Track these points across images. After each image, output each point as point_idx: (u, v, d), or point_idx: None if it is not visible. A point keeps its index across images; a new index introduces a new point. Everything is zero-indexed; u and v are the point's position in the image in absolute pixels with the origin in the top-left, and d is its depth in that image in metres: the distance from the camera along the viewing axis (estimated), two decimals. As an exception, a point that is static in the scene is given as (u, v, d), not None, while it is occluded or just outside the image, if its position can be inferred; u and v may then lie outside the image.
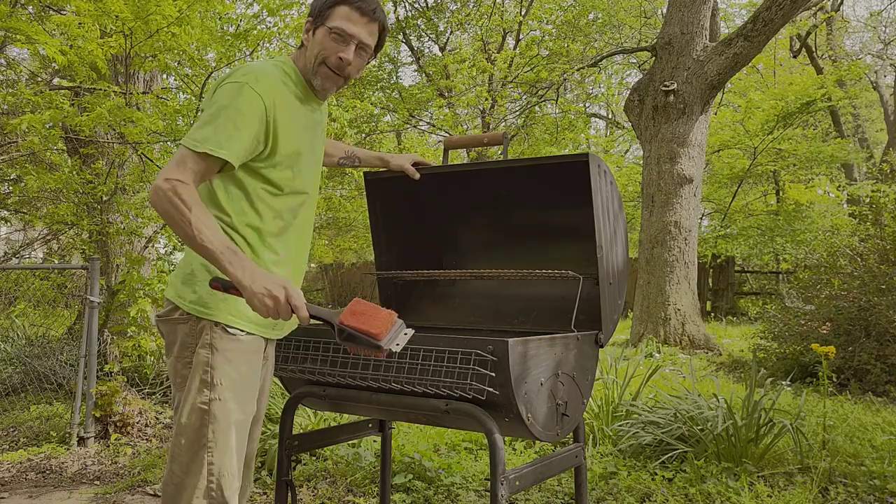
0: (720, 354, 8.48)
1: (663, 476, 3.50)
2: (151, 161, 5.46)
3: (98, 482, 3.90)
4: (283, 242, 1.93)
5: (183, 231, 1.66)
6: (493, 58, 15.95)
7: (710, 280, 15.79)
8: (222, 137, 1.72)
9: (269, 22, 5.46)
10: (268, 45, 5.47)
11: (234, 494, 1.80)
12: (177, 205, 1.65)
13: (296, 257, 1.99)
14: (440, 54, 17.92)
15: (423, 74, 17.65)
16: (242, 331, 1.83)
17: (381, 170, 2.53)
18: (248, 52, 5.39)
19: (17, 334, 6.56)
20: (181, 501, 1.76)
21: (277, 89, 1.82)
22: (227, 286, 1.67)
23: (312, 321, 1.67)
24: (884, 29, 21.26)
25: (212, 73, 5.42)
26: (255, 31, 5.12)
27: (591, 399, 3.42)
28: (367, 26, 1.89)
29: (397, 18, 17.41)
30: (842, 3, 17.05)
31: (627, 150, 21.47)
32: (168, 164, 1.72)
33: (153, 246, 5.98)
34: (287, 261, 1.95)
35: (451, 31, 18.07)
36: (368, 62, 1.98)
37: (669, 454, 3.63)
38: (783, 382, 4.40)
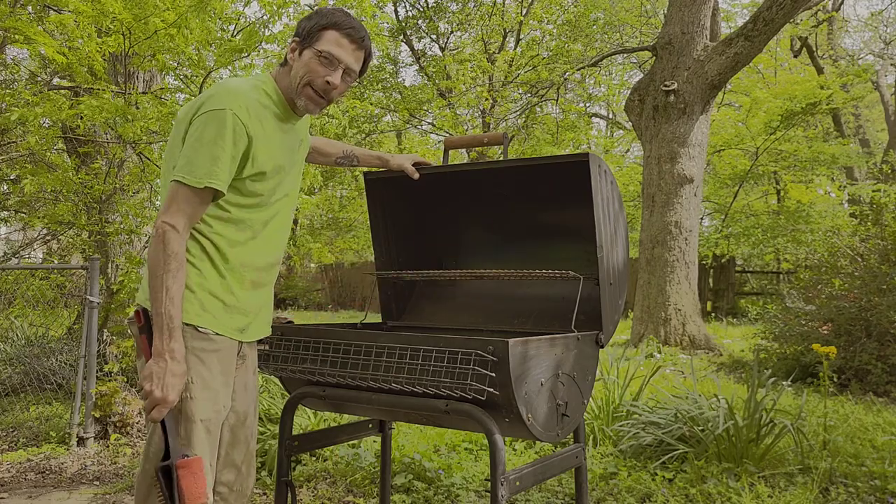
0: (721, 355, 8.47)
1: (664, 476, 3.49)
2: (150, 161, 5.45)
3: (98, 482, 3.89)
4: (249, 249, 1.92)
5: (153, 277, 1.73)
6: (493, 58, 15.95)
7: (710, 280, 15.79)
8: (217, 169, 1.76)
9: (269, 22, 5.44)
10: (266, 45, 5.46)
11: (208, 489, 1.82)
12: (161, 254, 1.72)
13: (263, 260, 1.96)
14: (441, 54, 17.91)
15: (424, 75, 17.66)
16: (213, 331, 1.85)
17: (381, 169, 2.52)
18: (245, 55, 5.38)
19: (17, 334, 6.56)
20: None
21: (257, 112, 1.84)
22: (144, 330, 1.76)
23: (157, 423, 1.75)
24: (884, 28, 21.27)
25: (210, 72, 5.41)
26: (254, 38, 5.10)
27: (591, 399, 3.42)
28: (355, 53, 1.92)
29: (398, 18, 17.41)
30: (842, 2, 17.05)
31: (628, 150, 21.47)
32: (165, 203, 1.76)
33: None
34: (254, 266, 1.94)
35: (452, 31, 18.07)
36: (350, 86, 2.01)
37: (670, 454, 3.62)
38: (784, 383, 4.39)
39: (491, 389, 1.79)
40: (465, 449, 4.01)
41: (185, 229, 1.76)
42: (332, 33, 1.88)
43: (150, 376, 1.68)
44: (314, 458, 3.92)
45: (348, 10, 1.99)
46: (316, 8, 1.92)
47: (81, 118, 4.68)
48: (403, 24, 17.29)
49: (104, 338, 5.08)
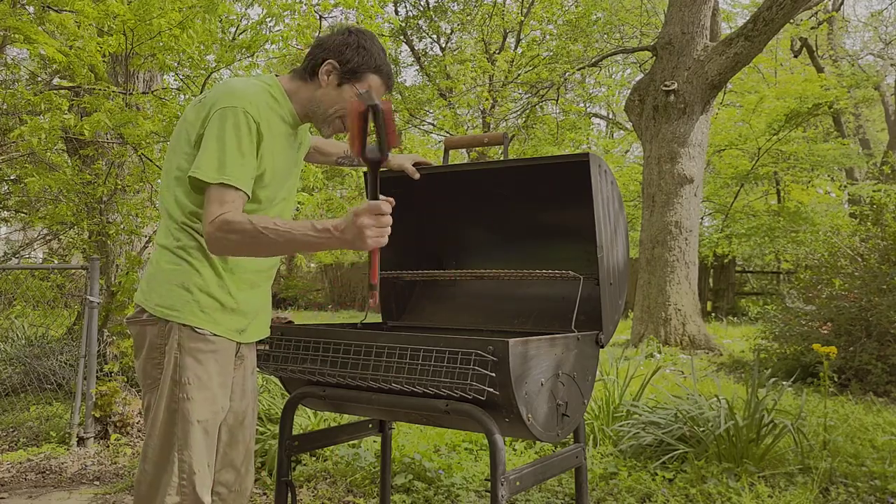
0: (721, 355, 8.47)
1: (664, 476, 3.50)
2: (151, 161, 5.45)
3: (98, 482, 3.89)
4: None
5: (258, 246, 1.72)
6: (493, 58, 15.96)
7: (710, 280, 15.80)
8: (243, 169, 1.77)
9: (271, 23, 5.43)
10: (270, 45, 5.46)
11: (205, 491, 1.83)
12: (237, 229, 1.68)
13: (261, 262, 1.98)
14: (441, 55, 17.92)
15: (425, 75, 17.66)
16: (210, 332, 1.85)
17: (381, 169, 2.52)
18: (248, 55, 5.38)
19: (17, 335, 6.56)
20: (155, 498, 1.80)
21: (266, 115, 1.85)
22: (372, 288, 1.71)
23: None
24: (884, 28, 21.28)
25: (211, 73, 5.41)
26: (258, 36, 5.10)
27: (591, 399, 3.42)
28: (384, 94, 1.99)
29: (398, 19, 17.41)
30: (842, 2, 17.05)
31: (628, 150, 21.46)
32: (208, 209, 1.72)
33: (153, 246, 5.97)
34: (252, 267, 1.94)
35: (452, 31, 18.07)
36: None
37: (670, 454, 3.62)
38: (784, 383, 4.39)
39: (491, 389, 1.79)
40: (465, 449, 4.01)
41: (239, 210, 1.74)
42: (377, 78, 1.94)
43: (355, 234, 1.66)
44: (314, 458, 3.92)
45: (362, 26, 2.03)
46: (357, 34, 1.95)
47: (84, 130, 4.68)
48: (404, 24, 17.29)
49: (104, 338, 5.08)
